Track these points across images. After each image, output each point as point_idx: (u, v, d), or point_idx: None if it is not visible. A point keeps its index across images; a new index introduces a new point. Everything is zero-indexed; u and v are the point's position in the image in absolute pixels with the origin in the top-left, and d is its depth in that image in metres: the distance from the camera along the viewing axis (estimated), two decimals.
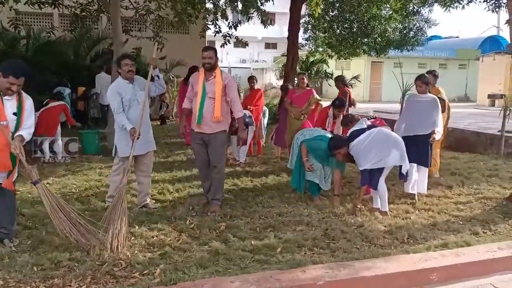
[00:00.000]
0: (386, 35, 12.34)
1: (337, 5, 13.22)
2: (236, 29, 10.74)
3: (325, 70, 16.50)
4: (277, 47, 39.70)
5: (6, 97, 3.43)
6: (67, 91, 10.42)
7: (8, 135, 3.38)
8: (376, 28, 12.35)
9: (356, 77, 13.60)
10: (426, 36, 14.13)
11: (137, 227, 4.32)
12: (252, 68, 34.04)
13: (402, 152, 4.78)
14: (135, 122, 4.50)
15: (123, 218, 3.85)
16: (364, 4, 12.15)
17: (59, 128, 7.59)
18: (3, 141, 3.37)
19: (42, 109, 7.50)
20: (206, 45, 14.70)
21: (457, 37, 33.80)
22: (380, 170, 4.73)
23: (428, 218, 4.81)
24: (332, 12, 13.65)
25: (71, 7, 10.26)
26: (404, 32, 13.27)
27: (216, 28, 11.14)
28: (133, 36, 11.10)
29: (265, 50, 40.57)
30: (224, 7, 11.32)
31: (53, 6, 9.60)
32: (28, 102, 3.60)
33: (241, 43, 11.18)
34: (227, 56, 35.14)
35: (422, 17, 13.13)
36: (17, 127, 3.49)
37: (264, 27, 10.54)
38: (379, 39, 12.60)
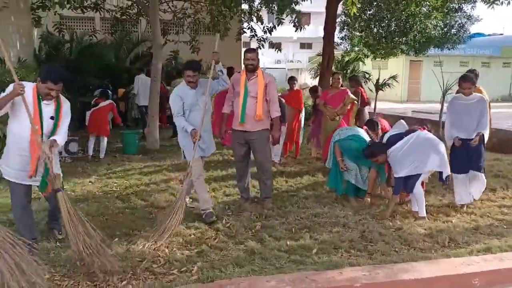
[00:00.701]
0: (427, 31, 11.96)
1: (374, 3, 12.99)
2: (270, 34, 10.76)
3: (361, 70, 16.23)
4: (312, 47, 39.44)
5: (45, 102, 3.50)
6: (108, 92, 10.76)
7: (38, 141, 3.40)
8: (415, 25, 12.01)
9: (393, 77, 13.28)
10: (468, 34, 13.59)
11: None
12: (287, 68, 33.93)
13: (442, 156, 4.62)
14: (196, 126, 4.55)
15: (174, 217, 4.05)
16: (403, 2, 11.87)
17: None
18: (36, 145, 3.42)
19: (92, 109, 7.81)
20: (242, 47, 14.91)
21: (501, 34, 32.37)
22: (416, 176, 4.59)
23: (471, 222, 4.65)
24: (369, 10, 13.42)
25: (111, 11, 10.62)
26: (445, 29, 12.83)
27: (252, 32, 11.19)
28: (171, 40, 11.35)
29: (300, 50, 40.35)
30: (259, 7, 11.37)
31: (95, 10, 9.94)
32: (66, 105, 3.67)
33: (275, 46, 11.18)
34: (262, 57, 35.19)
35: (464, 14, 12.65)
36: (53, 131, 3.56)
37: (296, 31, 10.50)
38: (419, 36, 12.23)
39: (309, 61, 34.59)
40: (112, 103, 8.18)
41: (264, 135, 5.04)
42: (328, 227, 4.43)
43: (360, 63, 16.23)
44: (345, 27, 14.75)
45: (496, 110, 7.67)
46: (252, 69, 4.90)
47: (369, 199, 5.20)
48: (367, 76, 13.29)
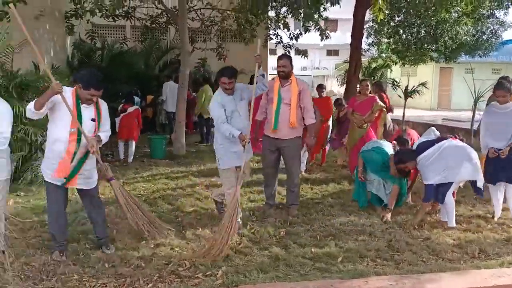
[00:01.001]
0: (458, 38, 11.72)
1: (403, 10, 12.83)
2: (297, 40, 10.78)
3: (390, 77, 16.01)
4: (339, 53, 39.18)
5: (84, 105, 3.62)
6: (136, 99, 10.99)
7: (74, 142, 3.54)
8: (445, 32, 11.79)
9: (423, 84, 13.05)
10: (501, 40, 13.25)
11: (200, 229, 4.45)
12: (313, 75, 33.83)
13: (475, 165, 4.50)
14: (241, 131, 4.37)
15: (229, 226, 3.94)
16: (432, 8, 11.68)
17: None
18: (71, 150, 3.54)
19: (121, 115, 8.00)
20: (268, 53, 14.98)
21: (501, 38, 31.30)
22: (448, 185, 4.48)
23: (502, 233, 4.50)
24: (398, 16, 13.27)
25: (142, 19, 10.87)
26: (477, 36, 12.55)
27: (277, 38, 11.24)
28: (198, 48, 11.54)
29: (327, 57, 40.15)
30: (286, 14, 11.41)
31: (126, 19, 10.19)
32: (104, 107, 3.79)
33: (301, 53, 11.19)
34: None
35: (497, 20, 12.35)
36: (95, 132, 3.68)
37: (322, 40, 10.47)
38: (450, 42, 11.99)
39: (335, 68, 34.40)
40: (138, 108, 8.37)
41: (296, 142, 5.04)
42: (354, 235, 4.38)
43: (388, 70, 16.01)
44: (373, 33, 14.64)
45: None
46: (284, 75, 4.90)
47: (389, 215, 4.94)
48: (395, 83, 13.05)
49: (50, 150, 3.65)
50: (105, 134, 3.76)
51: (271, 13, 11.47)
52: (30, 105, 3.46)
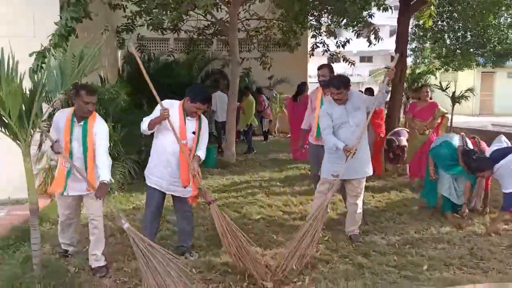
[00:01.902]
0: (508, 42, 11.43)
1: (448, 14, 12.63)
2: (344, 48, 10.78)
3: (432, 83, 15.78)
4: (372, 60, 38.86)
5: (188, 117, 3.80)
6: None
7: (187, 154, 3.70)
8: (493, 36, 11.51)
9: (470, 90, 12.76)
10: None
11: (274, 236, 4.50)
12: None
13: None
14: (348, 143, 4.15)
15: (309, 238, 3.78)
16: (479, 12, 11.45)
17: None
18: (184, 158, 3.72)
19: None
20: (308, 61, 15.01)
21: None
22: None
23: None
24: (442, 21, 13.06)
25: (189, 31, 11.13)
26: None
27: (324, 46, 11.26)
28: (242, 58, 11.69)
29: (360, 63, 39.74)
30: (328, 23, 11.45)
31: (173, 32, 10.46)
32: (205, 122, 3.94)
33: (348, 61, 11.17)
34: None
35: None
36: (196, 146, 3.84)
37: (369, 45, 10.41)
38: (498, 47, 11.70)
39: (370, 75, 34.10)
40: None
41: None
42: (432, 243, 4.32)
43: (432, 76, 15.75)
44: (416, 39, 14.45)
45: None
46: (325, 84, 4.86)
47: (466, 210, 5.00)
48: (443, 89, 12.82)
49: (154, 159, 3.86)
50: (203, 152, 3.88)
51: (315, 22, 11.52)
52: (144, 125, 3.77)
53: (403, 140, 7.26)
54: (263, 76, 13.29)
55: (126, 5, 9.06)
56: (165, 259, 3.35)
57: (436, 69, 15.00)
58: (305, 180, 7.24)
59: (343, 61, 11.12)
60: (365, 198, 6.05)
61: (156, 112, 3.76)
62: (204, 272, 3.68)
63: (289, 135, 11.82)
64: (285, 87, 13.74)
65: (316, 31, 11.23)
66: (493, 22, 11.37)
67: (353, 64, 11.42)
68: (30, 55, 5.34)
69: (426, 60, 15.04)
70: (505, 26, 11.33)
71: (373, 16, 10.56)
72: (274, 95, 14.16)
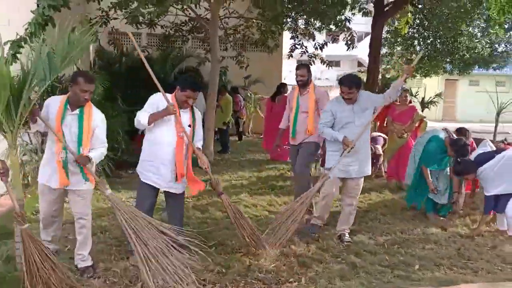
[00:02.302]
0: (476, 52, 11.92)
1: (419, 21, 13.02)
2: (322, 50, 10.88)
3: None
4: (340, 64, 39.47)
5: (182, 110, 3.68)
6: None
7: (187, 147, 3.68)
8: (463, 45, 11.98)
9: (439, 95, 13.23)
10: None
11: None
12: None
13: None
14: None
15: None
16: (451, 20, 11.85)
17: None
18: (181, 152, 3.64)
19: None
20: (282, 61, 15.07)
21: None
22: (509, 195, 4.52)
23: None
24: (413, 28, 13.45)
25: (166, 27, 10.89)
26: (491, 48, 12.76)
27: (303, 48, 11.32)
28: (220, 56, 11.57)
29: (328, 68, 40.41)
30: (304, 25, 11.54)
31: (149, 26, 10.21)
32: (198, 115, 3.84)
33: (326, 63, 11.29)
34: (290, 74, 35.49)
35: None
36: (192, 138, 3.74)
37: (348, 49, 10.60)
38: (467, 56, 12.19)
39: (337, 79, 34.68)
40: None
41: (312, 145, 5.01)
42: (419, 243, 4.39)
43: None
44: (386, 45, 14.83)
45: None
46: (303, 84, 4.96)
47: (460, 201, 5.25)
48: (413, 94, 13.23)
49: (149, 154, 3.71)
50: (201, 143, 3.87)
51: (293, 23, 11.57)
52: (143, 120, 3.59)
53: (379, 149, 7.39)
54: (239, 76, 13.22)
55: None
56: (151, 228, 3.29)
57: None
58: (286, 180, 7.22)
59: (321, 63, 11.20)
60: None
61: (152, 106, 3.64)
62: (198, 272, 3.56)
63: (261, 136, 11.81)
64: (259, 87, 13.72)
65: (294, 33, 11.28)
66: (464, 30, 11.83)
67: (331, 66, 11.54)
68: (5, 44, 5.04)
69: (396, 66, 15.47)
70: (476, 36, 11.78)
71: (351, 20, 10.71)
72: (249, 95, 14.12)
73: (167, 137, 3.63)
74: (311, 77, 5.07)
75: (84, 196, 3.47)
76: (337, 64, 40.29)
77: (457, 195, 5.15)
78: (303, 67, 5.04)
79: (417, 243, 4.39)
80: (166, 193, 3.86)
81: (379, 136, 7.69)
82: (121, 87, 10.28)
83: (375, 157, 7.38)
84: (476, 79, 22.78)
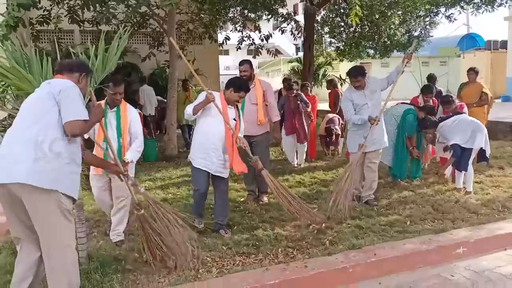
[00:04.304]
0: (395, 38, 13.37)
1: (342, 11, 14.16)
2: (267, 41, 11.46)
3: (332, 73, 17.56)
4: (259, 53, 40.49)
5: (229, 106, 4.23)
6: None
7: (232, 137, 4.14)
8: (384, 33, 13.33)
9: (344, 79, 14.58)
10: (431, 36, 15.30)
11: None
12: (238, 74, 34.51)
13: (486, 137, 5.58)
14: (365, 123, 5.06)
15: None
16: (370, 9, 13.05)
17: None
18: (231, 143, 4.14)
19: None
20: (219, 54, 15.44)
21: (432, 36, 35.56)
22: (469, 152, 5.49)
23: (506, 192, 5.63)
24: (337, 17, 14.52)
25: (110, 24, 10.66)
26: (408, 35, 14.26)
27: (249, 40, 11.81)
28: (162, 51, 11.65)
29: (248, 56, 40.98)
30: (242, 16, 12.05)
31: (103, 24, 9.97)
32: (240, 111, 4.45)
33: (272, 53, 11.91)
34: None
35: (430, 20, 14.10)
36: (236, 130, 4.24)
37: (294, 39, 11.27)
38: (388, 42, 13.60)
39: (259, 67, 35.64)
40: None
41: (266, 138, 5.55)
42: (401, 205, 5.18)
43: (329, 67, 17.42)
44: (315, 33, 15.84)
45: None
46: (247, 78, 5.25)
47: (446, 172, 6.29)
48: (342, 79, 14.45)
49: (198, 142, 4.21)
50: (241, 134, 4.37)
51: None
52: (189, 110, 4.13)
53: (338, 130, 8.22)
54: (182, 71, 13.35)
55: None
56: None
57: (333, 59, 16.69)
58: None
59: (268, 53, 11.80)
60: (319, 176, 6.86)
61: (200, 98, 4.15)
62: (234, 247, 3.98)
63: None
64: (201, 80, 13.94)
65: (237, 25, 11.72)
66: (380, 20, 13.15)
67: (276, 55, 12.17)
68: None
69: (324, 52, 16.62)
70: (394, 25, 13.20)
71: (290, 11, 11.40)
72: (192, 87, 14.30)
73: (215, 127, 4.15)
74: (253, 71, 5.43)
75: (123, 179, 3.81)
76: (256, 52, 41.38)
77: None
78: (245, 62, 5.39)
79: (399, 205, 5.19)
80: (213, 176, 4.32)
81: (334, 117, 8.50)
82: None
83: (335, 136, 8.20)
84: (386, 62, 25.03)
